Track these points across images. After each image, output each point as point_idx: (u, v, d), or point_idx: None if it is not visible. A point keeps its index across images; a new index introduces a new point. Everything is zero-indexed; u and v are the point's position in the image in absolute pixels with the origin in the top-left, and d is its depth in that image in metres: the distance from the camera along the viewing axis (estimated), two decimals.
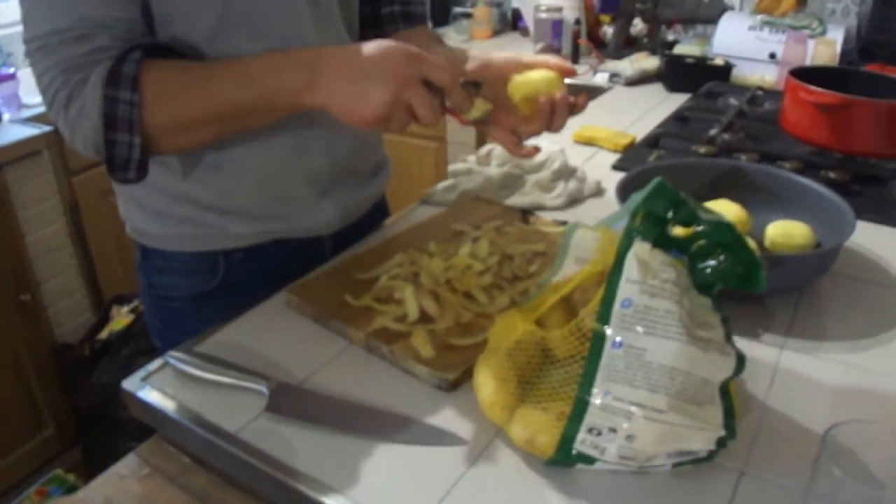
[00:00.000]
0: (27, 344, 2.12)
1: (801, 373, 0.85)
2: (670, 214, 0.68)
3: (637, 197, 0.69)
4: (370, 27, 1.17)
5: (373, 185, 1.20)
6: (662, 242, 0.68)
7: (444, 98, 0.87)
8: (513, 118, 0.99)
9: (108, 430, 2.11)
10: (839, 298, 1.00)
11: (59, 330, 2.23)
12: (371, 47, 0.85)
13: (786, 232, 1.04)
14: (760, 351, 0.88)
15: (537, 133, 0.99)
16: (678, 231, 0.70)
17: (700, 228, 0.69)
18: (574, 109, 0.98)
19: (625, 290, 0.66)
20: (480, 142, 2.57)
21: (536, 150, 1.01)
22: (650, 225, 0.68)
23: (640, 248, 0.67)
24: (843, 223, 1.00)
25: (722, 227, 0.69)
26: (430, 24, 1.25)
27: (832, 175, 1.33)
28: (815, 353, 0.89)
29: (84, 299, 2.32)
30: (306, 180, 1.06)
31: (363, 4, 1.14)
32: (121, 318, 2.27)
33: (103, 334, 2.21)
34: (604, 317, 0.67)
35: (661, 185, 0.68)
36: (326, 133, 1.03)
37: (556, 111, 0.96)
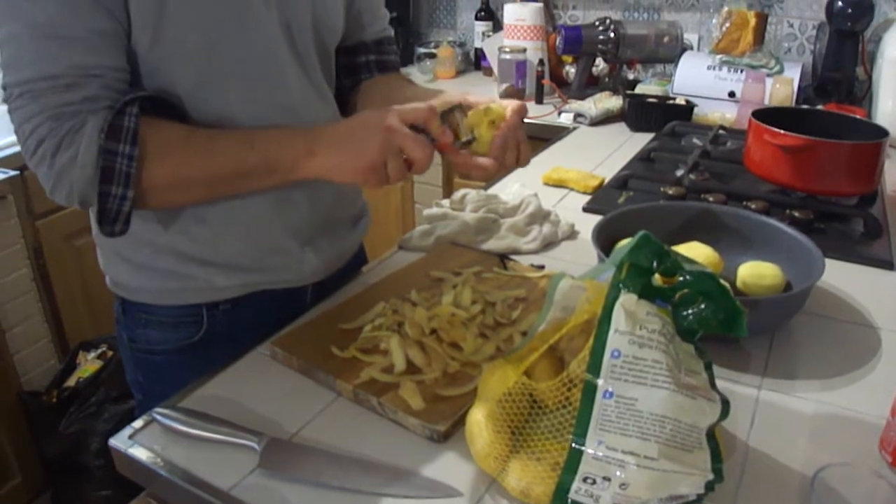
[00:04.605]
0: None
1: (778, 412, 0.88)
2: (655, 265, 0.71)
3: (623, 249, 0.71)
4: (345, 75, 1.19)
5: (354, 234, 1.21)
6: (647, 293, 0.71)
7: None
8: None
9: (77, 479, 2.06)
10: (810, 337, 1.03)
11: (25, 378, 2.18)
12: (354, 117, 0.91)
13: (756, 273, 1.07)
14: (739, 392, 0.91)
15: (508, 168, 1.00)
16: (659, 280, 0.72)
17: (683, 278, 0.72)
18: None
19: (614, 341, 0.68)
20: (447, 180, 2.59)
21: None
22: (636, 276, 0.70)
23: (627, 300, 0.69)
24: (812, 263, 1.03)
25: (704, 277, 0.71)
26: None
27: (796, 214, 1.37)
28: (791, 393, 0.91)
29: (49, 345, 2.27)
30: (290, 232, 1.06)
31: (338, 54, 1.16)
32: (88, 364, 2.23)
33: (71, 381, 2.17)
34: (594, 368, 0.68)
35: (646, 237, 0.71)
36: (309, 184, 1.04)
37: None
